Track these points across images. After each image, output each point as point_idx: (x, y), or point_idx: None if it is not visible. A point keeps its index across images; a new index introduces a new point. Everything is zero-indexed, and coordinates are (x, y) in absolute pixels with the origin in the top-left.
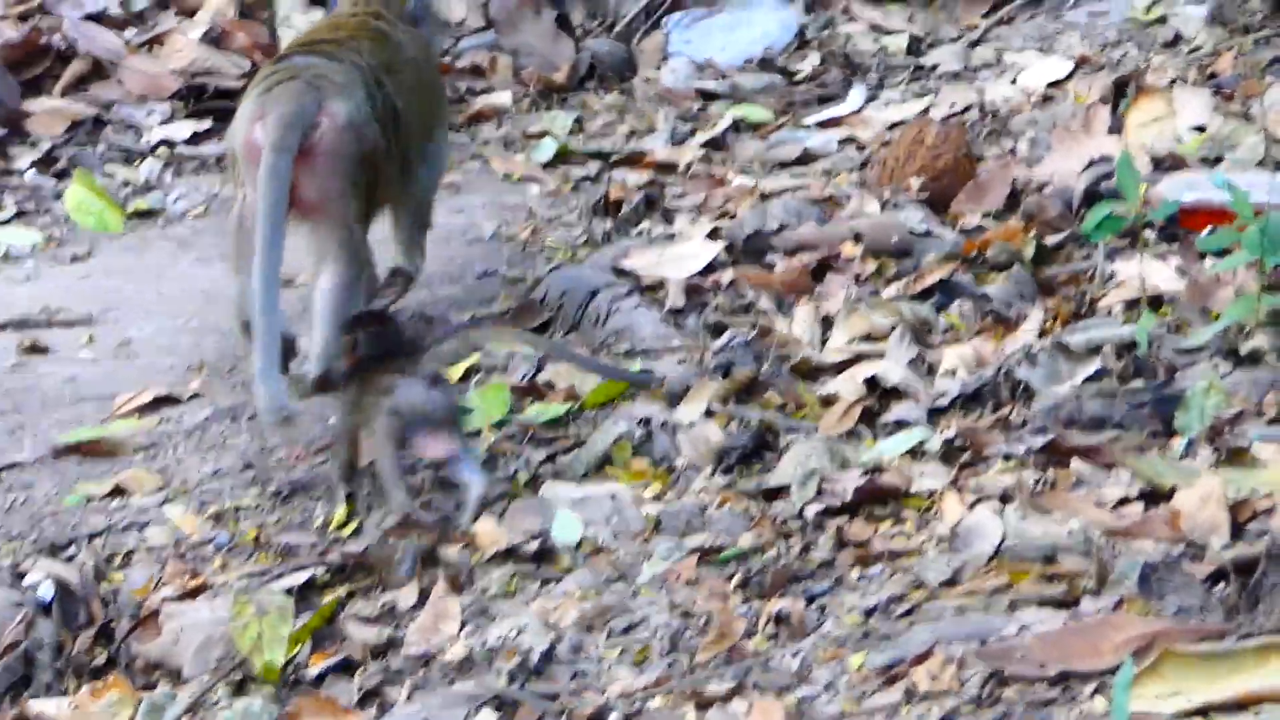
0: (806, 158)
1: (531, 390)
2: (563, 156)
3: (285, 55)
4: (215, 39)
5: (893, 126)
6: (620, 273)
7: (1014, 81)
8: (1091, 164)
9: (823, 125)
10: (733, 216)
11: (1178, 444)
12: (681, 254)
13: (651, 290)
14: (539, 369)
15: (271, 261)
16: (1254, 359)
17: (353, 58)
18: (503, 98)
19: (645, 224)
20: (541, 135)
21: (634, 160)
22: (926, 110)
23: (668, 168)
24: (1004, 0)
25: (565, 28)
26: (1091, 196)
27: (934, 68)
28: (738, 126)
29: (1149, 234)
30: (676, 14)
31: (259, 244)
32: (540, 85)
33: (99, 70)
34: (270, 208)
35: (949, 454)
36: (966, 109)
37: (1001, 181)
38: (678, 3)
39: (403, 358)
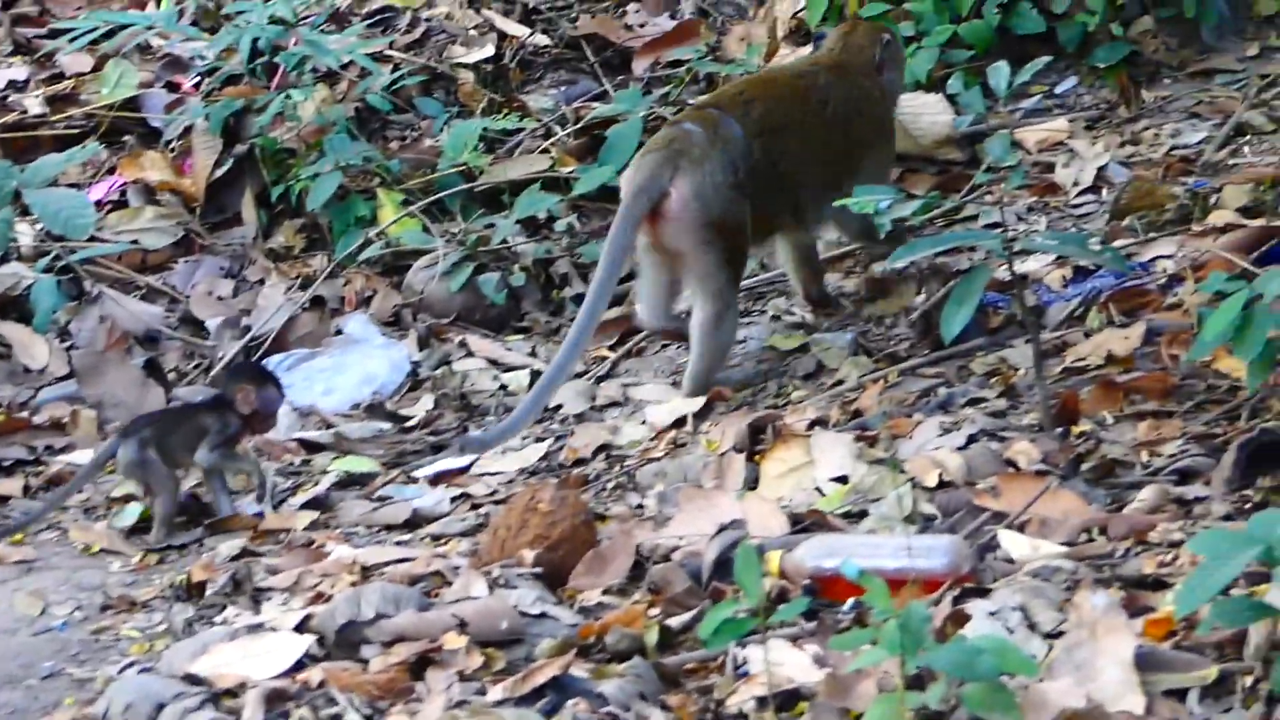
0: (416, 520)
1: None
2: (148, 523)
3: (678, 120)
4: None
5: (512, 481)
6: (193, 679)
7: (643, 422)
8: (722, 529)
9: (435, 480)
10: (328, 599)
11: None
12: (267, 649)
13: (230, 696)
14: None
15: (597, 300)
16: None
17: (731, 126)
18: (84, 456)
19: (231, 609)
20: (126, 499)
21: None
22: (546, 456)
23: (265, 534)
24: (635, 329)
25: (156, 374)
26: (722, 566)
27: (558, 407)
28: (343, 482)
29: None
30: (278, 356)
31: (593, 283)
32: None
33: None
34: (607, 262)
35: None
36: (593, 455)
37: (624, 550)
38: (279, 343)
39: None
